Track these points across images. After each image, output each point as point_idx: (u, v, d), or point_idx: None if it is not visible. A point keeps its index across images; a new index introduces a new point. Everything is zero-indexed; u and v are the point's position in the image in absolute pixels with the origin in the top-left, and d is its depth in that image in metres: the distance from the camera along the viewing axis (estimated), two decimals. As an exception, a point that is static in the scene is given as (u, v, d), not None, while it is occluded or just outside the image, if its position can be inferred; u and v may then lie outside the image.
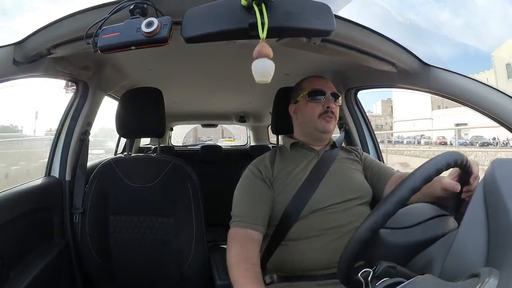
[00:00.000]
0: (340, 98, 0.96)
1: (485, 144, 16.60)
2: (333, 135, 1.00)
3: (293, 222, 0.84)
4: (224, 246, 1.19)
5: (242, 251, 0.79)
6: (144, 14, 0.55)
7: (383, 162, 1.13)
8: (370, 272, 0.43)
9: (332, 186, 0.87)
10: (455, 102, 0.85)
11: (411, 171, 0.54)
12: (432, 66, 0.86)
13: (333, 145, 0.97)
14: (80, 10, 0.66)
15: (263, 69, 0.48)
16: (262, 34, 0.47)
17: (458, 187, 0.60)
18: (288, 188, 0.87)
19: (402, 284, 0.38)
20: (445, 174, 0.58)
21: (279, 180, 0.89)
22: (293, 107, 1.00)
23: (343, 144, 1.12)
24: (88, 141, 1.19)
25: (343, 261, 0.49)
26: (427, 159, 0.52)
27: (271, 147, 2.15)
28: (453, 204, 0.61)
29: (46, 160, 1.16)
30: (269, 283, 0.87)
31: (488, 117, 0.79)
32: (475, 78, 0.80)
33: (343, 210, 0.83)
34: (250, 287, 0.70)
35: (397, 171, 0.97)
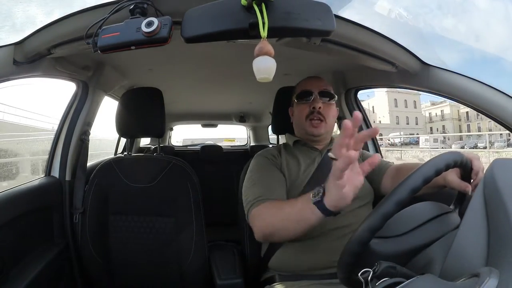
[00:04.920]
0: (333, 97, 0.93)
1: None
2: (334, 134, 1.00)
3: None
4: (224, 245, 1.20)
5: (275, 204, 0.75)
6: (144, 14, 0.55)
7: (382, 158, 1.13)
8: (370, 272, 0.43)
9: None
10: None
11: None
12: (432, 66, 0.86)
13: None
14: (80, 10, 0.66)
15: (265, 66, 0.47)
16: (263, 33, 0.47)
17: (468, 189, 0.58)
18: (294, 186, 0.87)
19: (402, 284, 0.38)
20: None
21: (287, 174, 0.89)
22: (291, 110, 1.02)
23: None
24: (88, 141, 1.18)
25: (344, 261, 0.49)
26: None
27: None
28: (457, 197, 0.61)
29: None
30: (270, 282, 0.87)
31: (488, 116, 0.79)
32: (475, 78, 0.80)
33: (344, 211, 0.83)
34: (300, 200, 0.65)
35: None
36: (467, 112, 27.55)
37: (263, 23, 0.47)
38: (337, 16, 0.60)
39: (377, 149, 1.37)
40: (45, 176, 1.12)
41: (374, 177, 0.93)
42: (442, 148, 16.81)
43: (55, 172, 1.12)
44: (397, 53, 0.83)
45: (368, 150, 1.32)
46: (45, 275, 0.92)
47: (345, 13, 0.69)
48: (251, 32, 0.49)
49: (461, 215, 0.52)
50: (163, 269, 1.05)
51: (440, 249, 0.47)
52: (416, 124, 29.62)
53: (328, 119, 0.92)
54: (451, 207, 0.59)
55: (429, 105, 31.08)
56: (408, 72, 0.89)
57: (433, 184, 0.67)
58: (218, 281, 0.94)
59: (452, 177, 0.61)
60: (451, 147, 17.40)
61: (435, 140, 19.82)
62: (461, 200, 0.60)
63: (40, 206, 1.00)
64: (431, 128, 30.08)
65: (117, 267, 1.06)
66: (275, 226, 0.71)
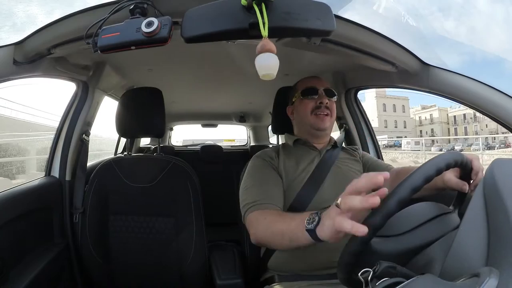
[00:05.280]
0: (335, 96, 0.96)
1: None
2: (334, 134, 1.00)
3: None
4: (224, 245, 1.20)
5: (270, 215, 0.74)
6: (144, 14, 0.55)
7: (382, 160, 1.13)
8: (370, 272, 0.43)
9: (333, 187, 0.87)
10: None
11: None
12: (432, 66, 0.86)
13: (334, 145, 0.98)
14: (80, 10, 0.66)
15: (268, 63, 0.47)
16: (264, 32, 0.47)
17: (466, 187, 0.59)
18: (292, 185, 0.87)
19: (402, 284, 0.38)
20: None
21: (284, 174, 0.89)
22: (290, 108, 1.02)
23: (344, 144, 1.12)
24: (88, 141, 1.18)
25: (344, 260, 0.49)
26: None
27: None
28: (457, 197, 0.61)
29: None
30: (270, 282, 0.87)
31: (488, 116, 0.79)
32: (475, 78, 0.80)
33: None
34: (295, 221, 0.62)
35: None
36: (454, 116, 30.01)
37: (263, 23, 0.47)
38: (337, 16, 0.60)
39: (377, 150, 1.37)
40: (45, 176, 1.12)
41: None
42: (424, 150, 18.19)
43: (55, 172, 1.12)
44: (397, 53, 0.83)
45: (368, 152, 1.32)
46: (45, 275, 0.92)
47: (345, 13, 0.69)
48: (251, 32, 0.49)
49: (461, 215, 0.52)
50: (163, 269, 1.05)
51: (440, 249, 0.47)
52: (405, 127, 31.92)
53: (333, 115, 0.95)
54: (451, 207, 0.59)
55: (420, 109, 33.91)
56: (408, 72, 0.89)
57: (432, 186, 0.67)
58: (218, 281, 0.94)
59: (450, 176, 0.61)
60: (430, 150, 19.01)
61: (417, 143, 21.24)
62: (461, 201, 0.60)
63: (40, 206, 1.00)
64: (420, 131, 32.72)
65: (117, 267, 1.06)
66: (268, 238, 0.71)
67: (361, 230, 0.43)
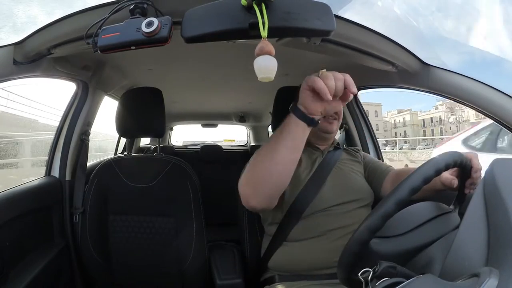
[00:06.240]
0: None
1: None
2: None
3: (295, 221, 0.84)
4: (224, 245, 1.20)
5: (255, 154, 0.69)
6: (144, 14, 0.55)
7: (383, 161, 1.13)
8: (370, 272, 0.43)
9: (334, 188, 0.87)
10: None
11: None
12: (432, 66, 0.86)
13: (337, 146, 0.98)
14: (80, 10, 0.66)
15: (266, 66, 0.47)
16: (264, 33, 0.47)
17: (455, 182, 0.60)
18: (294, 185, 0.87)
19: (402, 284, 0.38)
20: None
21: None
22: None
23: (345, 145, 1.12)
24: (88, 141, 1.19)
25: (344, 261, 0.49)
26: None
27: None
28: (457, 197, 0.61)
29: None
30: (270, 282, 0.87)
31: (488, 116, 0.79)
32: (475, 78, 0.80)
33: (344, 212, 0.84)
34: (279, 129, 0.62)
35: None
36: (423, 119, 34.05)
37: (263, 23, 0.47)
38: (337, 16, 0.60)
39: (377, 151, 1.37)
40: (45, 176, 1.12)
41: (374, 180, 0.93)
42: (384, 150, 19.90)
43: (55, 172, 1.12)
44: (397, 53, 0.83)
45: (368, 152, 1.32)
46: (45, 275, 0.92)
47: (345, 13, 0.69)
48: (251, 32, 0.49)
49: (461, 215, 0.52)
50: (163, 269, 1.05)
51: (440, 249, 0.47)
52: (377, 130, 35.91)
53: (340, 119, 0.95)
54: (451, 207, 0.59)
55: (396, 112, 37.94)
56: (408, 72, 0.89)
57: (431, 187, 0.67)
58: (218, 281, 0.94)
59: (444, 172, 0.60)
60: (385, 149, 20.54)
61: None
62: (461, 200, 0.60)
63: (40, 206, 1.00)
64: (395, 133, 36.79)
65: (117, 267, 1.06)
66: (260, 166, 0.65)
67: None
